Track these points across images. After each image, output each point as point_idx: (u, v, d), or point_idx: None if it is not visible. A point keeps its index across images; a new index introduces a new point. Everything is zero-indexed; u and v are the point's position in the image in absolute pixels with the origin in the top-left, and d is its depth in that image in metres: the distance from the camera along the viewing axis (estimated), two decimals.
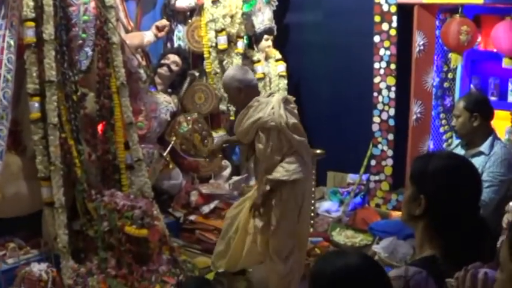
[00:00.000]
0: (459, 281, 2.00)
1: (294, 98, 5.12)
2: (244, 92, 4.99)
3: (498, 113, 5.63)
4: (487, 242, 2.45)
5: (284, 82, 7.50)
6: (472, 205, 2.40)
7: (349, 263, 1.93)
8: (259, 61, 7.31)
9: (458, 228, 2.30)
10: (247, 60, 7.24)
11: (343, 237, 6.47)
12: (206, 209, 6.32)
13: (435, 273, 2.28)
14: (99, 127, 5.63)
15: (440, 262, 2.31)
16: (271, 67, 7.47)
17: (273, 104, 4.86)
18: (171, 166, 6.51)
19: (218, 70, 7.02)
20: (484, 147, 4.85)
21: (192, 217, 6.33)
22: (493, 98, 6.08)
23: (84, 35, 5.43)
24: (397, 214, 6.95)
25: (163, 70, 6.68)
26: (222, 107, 7.08)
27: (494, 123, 5.13)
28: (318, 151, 7.00)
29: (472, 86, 6.30)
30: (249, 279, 5.48)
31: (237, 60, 6.99)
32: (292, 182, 4.82)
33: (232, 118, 7.14)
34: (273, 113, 4.80)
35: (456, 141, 5.46)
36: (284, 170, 4.82)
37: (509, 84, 6.09)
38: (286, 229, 4.93)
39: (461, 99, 5.12)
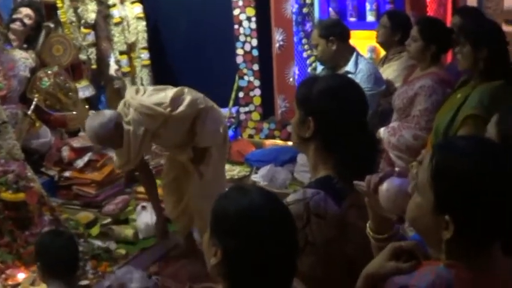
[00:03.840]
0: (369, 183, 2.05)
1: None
2: (115, 134, 4.67)
3: (358, 33, 5.75)
4: (378, 156, 2.51)
5: (142, 24, 7.35)
6: (360, 121, 2.42)
7: (252, 200, 1.89)
8: (114, 5, 7.11)
9: (348, 146, 2.32)
10: (103, 5, 7.03)
11: None
12: (80, 163, 6.16)
13: (332, 192, 2.29)
14: None
15: (336, 181, 2.33)
16: (128, 10, 7.28)
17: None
18: (37, 124, 6.29)
19: (74, 19, 6.82)
20: (349, 66, 4.99)
21: (66, 173, 6.16)
22: (352, 19, 6.19)
23: None
24: (270, 142, 7.08)
25: (16, 25, 6.40)
26: (82, 56, 6.90)
27: (356, 43, 5.24)
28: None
29: (330, 9, 6.36)
30: (135, 227, 5.44)
31: (92, 7, 6.80)
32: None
33: (94, 67, 7.00)
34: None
35: (321, 67, 5.57)
36: None
37: (367, 4, 6.19)
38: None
39: (315, 28, 5.25)
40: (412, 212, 1.87)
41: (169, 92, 4.68)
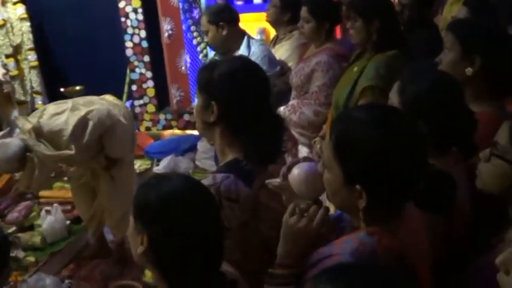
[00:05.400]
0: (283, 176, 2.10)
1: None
2: (21, 165, 4.25)
3: (247, 16, 5.79)
4: (284, 135, 2.55)
5: (27, 25, 7.15)
6: (263, 102, 2.45)
7: (173, 185, 1.88)
8: None
9: (254, 128, 2.35)
10: None
11: None
12: None
13: (242, 175, 2.33)
14: None
15: (244, 163, 2.36)
16: (10, 11, 7.06)
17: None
18: None
19: None
20: (242, 50, 4.99)
21: None
22: (239, 3, 6.23)
23: None
24: (168, 133, 7.06)
25: None
26: None
27: (245, 26, 5.27)
28: (77, 88, 6.87)
29: None
30: (42, 232, 5.34)
31: None
32: None
33: None
34: None
35: (213, 52, 5.58)
36: None
37: None
38: None
39: (203, 14, 5.22)
40: (326, 189, 1.93)
41: (73, 116, 4.27)
